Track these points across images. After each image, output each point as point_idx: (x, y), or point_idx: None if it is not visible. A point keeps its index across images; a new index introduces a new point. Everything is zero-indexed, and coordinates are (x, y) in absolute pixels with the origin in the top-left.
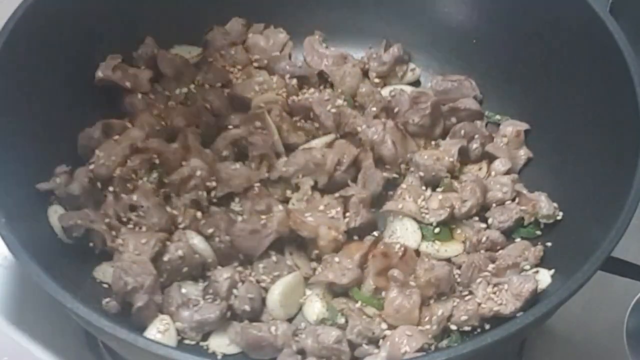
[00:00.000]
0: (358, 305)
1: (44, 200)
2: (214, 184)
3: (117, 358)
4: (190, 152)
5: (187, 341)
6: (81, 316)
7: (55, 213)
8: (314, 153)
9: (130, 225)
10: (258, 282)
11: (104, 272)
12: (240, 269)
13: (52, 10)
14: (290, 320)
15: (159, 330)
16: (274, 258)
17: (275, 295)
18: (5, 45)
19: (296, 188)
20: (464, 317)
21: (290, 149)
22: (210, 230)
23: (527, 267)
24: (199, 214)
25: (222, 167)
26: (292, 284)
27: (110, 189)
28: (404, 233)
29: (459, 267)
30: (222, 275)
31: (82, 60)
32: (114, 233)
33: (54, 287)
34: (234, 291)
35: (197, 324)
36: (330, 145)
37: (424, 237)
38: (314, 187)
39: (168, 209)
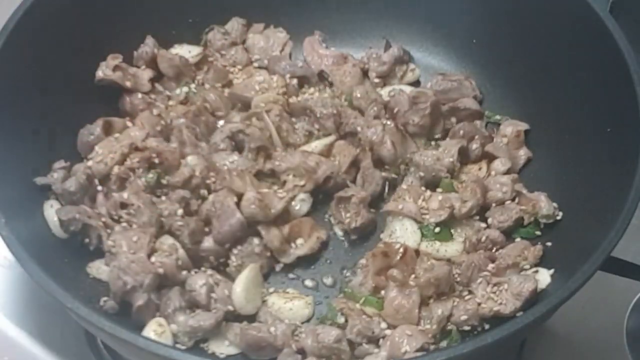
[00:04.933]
0: (358, 305)
1: (43, 200)
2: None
3: (117, 358)
4: (186, 147)
5: (178, 345)
6: (81, 316)
7: (51, 207)
8: (310, 158)
9: (124, 224)
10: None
11: (98, 269)
12: (211, 272)
13: (53, 10)
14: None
15: (156, 333)
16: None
17: (238, 292)
18: (6, 44)
19: (282, 184)
20: (463, 317)
21: (289, 149)
22: (179, 223)
23: (527, 266)
24: (180, 211)
25: (219, 159)
26: (250, 277)
27: (99, 188)
28: (403, 233)
29: (459, 267)
30: (198, 283)
31: (82, 60)
32: (108, 231)
33: (54, 287)
34: (212, 295)
35: (191, 329)
36: (330, 147)
37: (423, 237)
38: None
39: (155, 199)
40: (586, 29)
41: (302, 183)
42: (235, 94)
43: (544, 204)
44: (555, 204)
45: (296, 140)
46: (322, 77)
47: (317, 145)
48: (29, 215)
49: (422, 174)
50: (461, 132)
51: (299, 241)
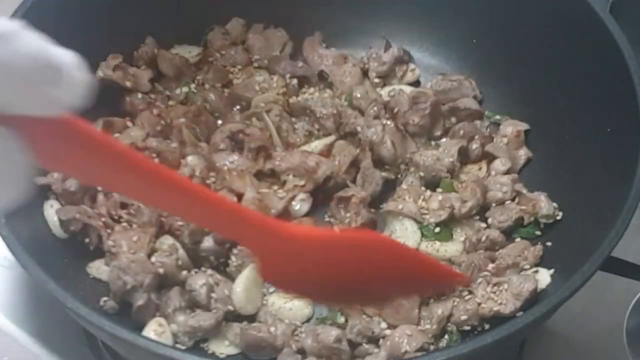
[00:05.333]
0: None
1: (43, 200)
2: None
3: (117, 358)
4: (186, 147)
5: (178, 345)
6: (81, 316)
7: (51, 207)
8: (310, 158)
9: (124, 224)
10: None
11: (98, 269)
12: (211, 272)
13: (52, 10)
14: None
15: (156, 333)
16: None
17: (238, 292)
18: None
19: (282, 184)
20: (463, 317)
21: (289, 149)
22: (180, 223)
23: (527, 266)
24: None
25: (219, 159)
26: (251, 277)
27: (99, 188)
28: (403, 233)
29: (459, 267)
30: (198, 283)
31: (82, 60)
32: (108, 231)
33: (54, 287)
34: (212, 295)
35: (191, 329)
36: (330, 147)
37: (423, 237)
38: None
39: None
40: (586, 29)
41: (302, 183)
42: (235, 94)
43: (544, 204)
44: (555, 204)
45: (296, 140)
46: (322, 77)
47: (317, 145)
48: (29, 215)
49: (422, 174)
50: (461, 132)
51: None
